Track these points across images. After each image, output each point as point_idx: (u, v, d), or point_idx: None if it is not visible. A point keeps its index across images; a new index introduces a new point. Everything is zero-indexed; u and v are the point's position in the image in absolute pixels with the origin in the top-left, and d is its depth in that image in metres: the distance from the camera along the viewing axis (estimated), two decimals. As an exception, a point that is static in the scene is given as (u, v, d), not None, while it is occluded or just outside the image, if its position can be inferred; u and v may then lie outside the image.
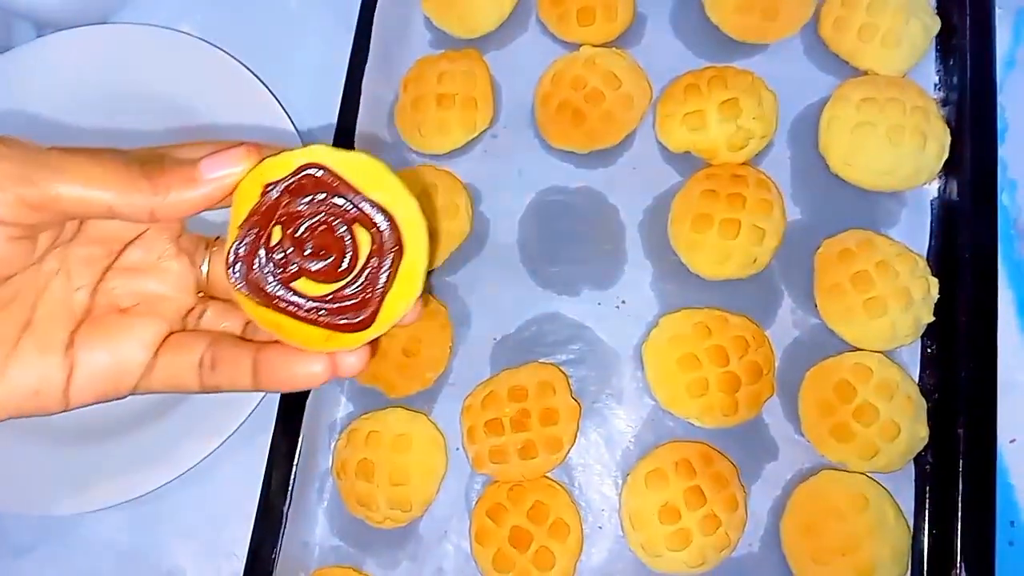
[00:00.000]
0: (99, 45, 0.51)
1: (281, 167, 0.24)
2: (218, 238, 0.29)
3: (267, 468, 0.40)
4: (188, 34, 0.51)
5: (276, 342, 0.26)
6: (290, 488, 0.39)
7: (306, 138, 0.47)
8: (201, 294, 0.29)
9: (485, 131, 0.45)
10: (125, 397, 0.27)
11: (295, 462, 0.40)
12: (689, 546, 0.37)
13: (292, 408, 0.40)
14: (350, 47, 0.45)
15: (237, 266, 0.25)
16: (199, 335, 0.27)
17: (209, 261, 0.28)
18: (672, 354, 0.39)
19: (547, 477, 0.40)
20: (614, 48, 0.44)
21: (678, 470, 0.38)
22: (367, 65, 0.45)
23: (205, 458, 0.43)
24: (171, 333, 0.27)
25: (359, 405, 0.43)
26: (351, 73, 0.45)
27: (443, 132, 0.44)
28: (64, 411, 0.26)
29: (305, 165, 0.24)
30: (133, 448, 0.44)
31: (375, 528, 0.40)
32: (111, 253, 0.27)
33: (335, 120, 0.44)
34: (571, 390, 0.40)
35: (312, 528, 0.41)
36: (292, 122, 0.47)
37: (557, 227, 0.43)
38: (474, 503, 0.40)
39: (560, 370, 0.41)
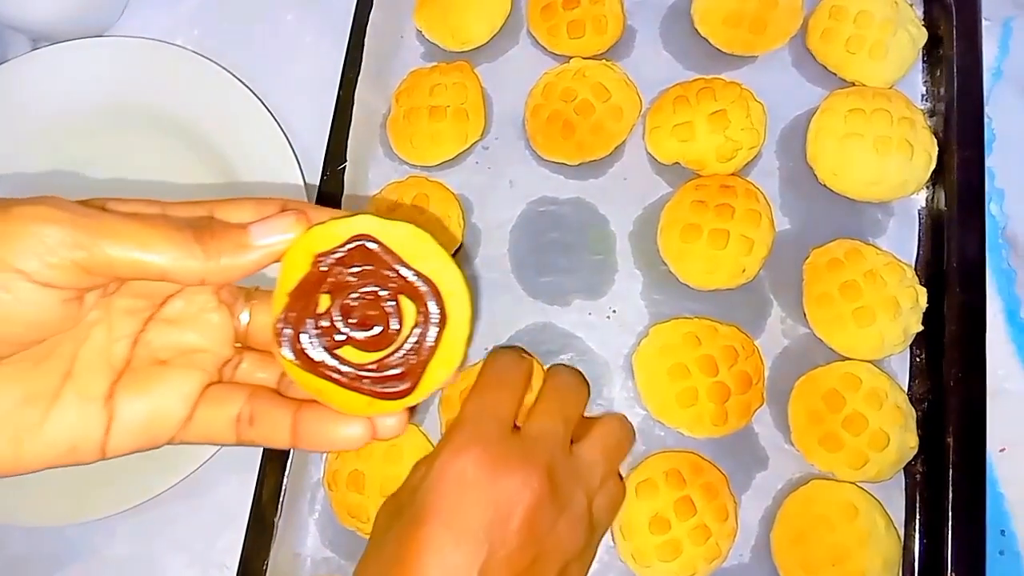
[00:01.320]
0: (95, 58, 0.52)
1: (330, 237, 0.25)
2: (257, 288, 0.29)
3: (258, 479, 0.40)
4: (184, 48, 0.51)
5: (314, 401, 0.26)
6: (281, 499, 0.39)
7: (299, 151, 0.48)
8: (238, 345, 0.29)
9: (476, 143, 0.46)
10: (160, 447, 0.27)
11: (286, 473, 0.40)
12: (679, 556, 0.37)
13: (283, 419, 0.40)
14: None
15: (285, 332, 0.25)
16: (237, 388, 0.27)
17: (250, 313, 0.28)
18: (662, 364, 0.39)
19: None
20: (604, 60, 0.45)
21: (668, 480, 0.38)
22: (360, 77, 0.45)
23: (198, 469, 0.43)
24: (209, 385, 0.27)
25: (351, 416, 0.43)
26: (344, 85, 0.45)
27: (435, 144, 0.45)
28: (98, 461, 0.25)
29: (355, 237, 0.25)
30: (126, 459, 0.44)
31: (367, 539, 0.40)
32: (153, 305, 0.27)
33: (328, 132, 0.45)
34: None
35: (303, 539, 0.41)
36: (286, 135, 0.48)
37: (548, 237, 0.43)
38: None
39: (538, 362, 0.40)
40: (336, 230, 0.25)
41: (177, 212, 0.25)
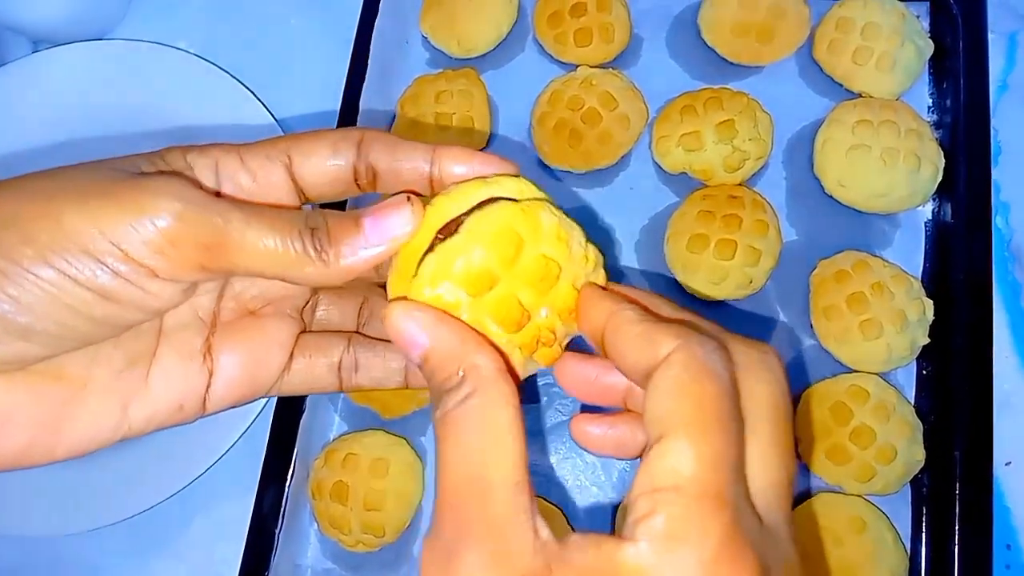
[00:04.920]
0: (96, 61, 0.51)
1: (449, 214, 0.23)
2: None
3: (259, 488, 0.39)
4: (186, 51, 0.51)
5: None
6: (282, 509, 0.39)
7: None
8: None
9: (482, 151, 0.45)
10: (257, 400, 0.26)
11: (288, 483, 0.39)
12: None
13: (285, 428, 0.40)
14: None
15: None
16: (334, 336, 0.27)
17: None
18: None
19: (542, 498, 0.39)
20: (611, 69, 0.44)
21: (674, 492, 0.37)
22: (364, 83, 0.45)
23: (197, 479, 0.42)
24: (301, 332, 0.27)
25: (352, 425, 0.42)
26: (348, 91, 0.45)
27: (440, 151, 0.44)
28: (199, 418, 0.25)
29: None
30: (123, 468, 0.43)
31: (367, 551, 0.40)
32: None
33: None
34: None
35: (304, 550, 0.41)
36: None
37: (553, 246, 0.43)
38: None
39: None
40: (453, 209, 0.23)
41: (255, 160, 0.24)
